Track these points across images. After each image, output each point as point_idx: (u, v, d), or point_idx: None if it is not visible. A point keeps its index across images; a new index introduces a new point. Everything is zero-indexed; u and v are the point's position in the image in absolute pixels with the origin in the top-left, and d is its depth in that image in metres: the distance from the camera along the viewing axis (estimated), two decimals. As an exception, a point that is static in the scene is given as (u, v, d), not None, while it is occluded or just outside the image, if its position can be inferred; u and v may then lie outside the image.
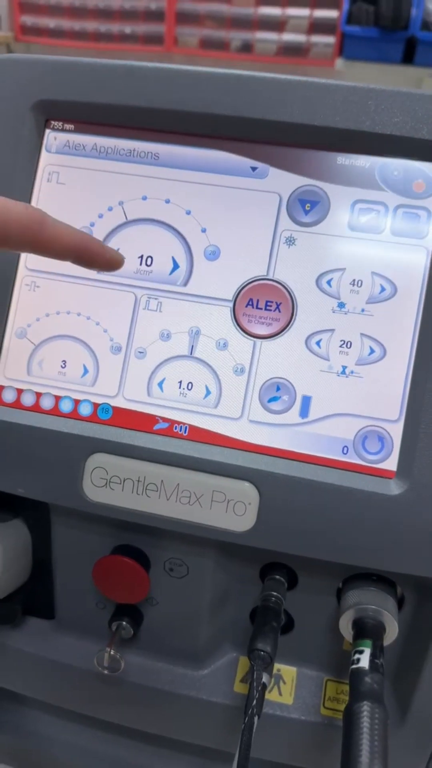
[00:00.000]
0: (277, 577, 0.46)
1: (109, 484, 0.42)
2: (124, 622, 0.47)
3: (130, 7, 2.92)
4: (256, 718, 0.39)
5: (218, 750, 0.52)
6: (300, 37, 2.77)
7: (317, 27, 2.74)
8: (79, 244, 0.36)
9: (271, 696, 0.49)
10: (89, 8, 2.98)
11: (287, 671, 0.49)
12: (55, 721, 0.57)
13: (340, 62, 2.67)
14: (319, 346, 0.42)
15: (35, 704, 0.57)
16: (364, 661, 0.39)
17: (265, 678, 0.41)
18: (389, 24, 2.47)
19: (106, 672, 0.47)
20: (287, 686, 0.49)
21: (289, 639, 0.48)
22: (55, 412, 0.44)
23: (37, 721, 0.57)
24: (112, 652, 0.46)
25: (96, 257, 0.38)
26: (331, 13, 2.69)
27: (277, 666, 0.50)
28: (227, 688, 0.49)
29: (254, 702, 0.39)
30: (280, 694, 0.49)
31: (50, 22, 3.08)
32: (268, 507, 0.41)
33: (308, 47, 2.78)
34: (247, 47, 2.84)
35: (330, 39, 2.74)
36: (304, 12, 2.73)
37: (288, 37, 2.79)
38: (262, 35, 2.81)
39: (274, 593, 0.44)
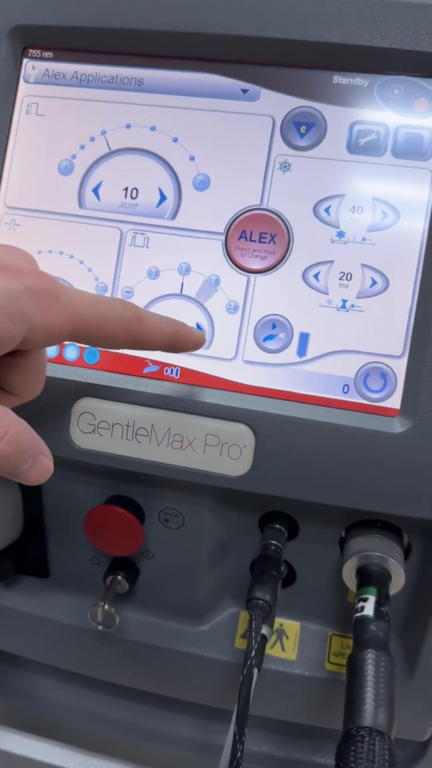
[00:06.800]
0: (277, 526, 0.43)
1: (97, 429, 0.40)
2: (119, 576, 0.45)
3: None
4: (255, 671, 0.37)
5: (219, 709, 0.50)
6: None
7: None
8: (173, 334, 0.35)
9: (274, 651, 0.47)
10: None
11: (290, 626, 0.48)
12: (52, 682, 0.55)
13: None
14: (318, 279, 0.39)
15: (30, 665, 0.56)
16: (369, 608, 0.37)
17: (265, 630, 0.39)
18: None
19: (100, 628, 0.45)
20: (290, 641, 0.47)
21: (292, 592, 0.46)
22: (39, 356, 0.42)
23: (33, 682, 0.55)
24: (106, 607, 0.44)
25: (187, 343, 0.37)
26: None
27: (279, 621, 0.48)
28: (228, 644, 0.48)
29: (253, 653, 0.37)
30: (283, 649, 0.47)
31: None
32: (264, 450, 0.38)
33: None
34: None
35: None
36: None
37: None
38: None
39: (273, 542, 0.42)
